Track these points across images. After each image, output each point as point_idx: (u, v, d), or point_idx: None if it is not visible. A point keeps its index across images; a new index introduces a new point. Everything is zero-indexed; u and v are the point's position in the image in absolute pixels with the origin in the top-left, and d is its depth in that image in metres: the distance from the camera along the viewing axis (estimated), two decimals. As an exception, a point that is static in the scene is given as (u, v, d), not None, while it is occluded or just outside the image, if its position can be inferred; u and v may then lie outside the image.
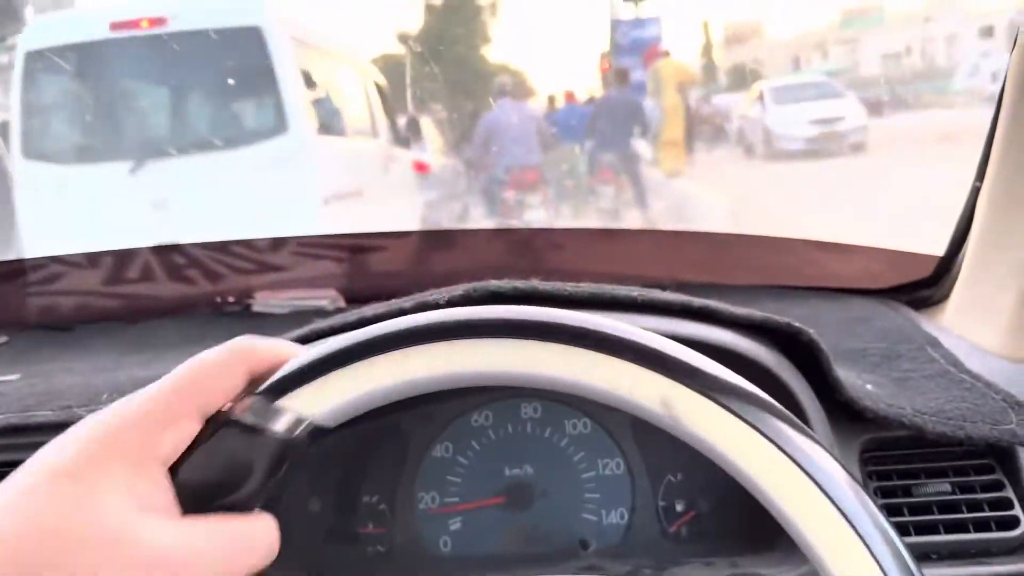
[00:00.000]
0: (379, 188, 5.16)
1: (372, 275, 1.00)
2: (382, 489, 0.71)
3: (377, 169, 5.36)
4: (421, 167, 7.37)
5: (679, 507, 0.68)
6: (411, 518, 0.70)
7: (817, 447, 0.35)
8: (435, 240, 1.10)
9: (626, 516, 0.68)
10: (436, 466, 0.71)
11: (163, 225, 3.63)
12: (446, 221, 7.20)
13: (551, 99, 12.63)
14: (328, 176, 4.39)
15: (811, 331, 0.58)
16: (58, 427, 0.65)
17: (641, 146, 9.44)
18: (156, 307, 0.96)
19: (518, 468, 0.70)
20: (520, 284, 0.58)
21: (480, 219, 7.68)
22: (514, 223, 7.08)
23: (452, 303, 0.57)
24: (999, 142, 0.73)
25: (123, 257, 0.93)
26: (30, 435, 0.66)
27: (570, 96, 10.89)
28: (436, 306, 0.58)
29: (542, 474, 0.70)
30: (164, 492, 0.35)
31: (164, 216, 3.71)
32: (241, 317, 0.94)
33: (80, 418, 0.65)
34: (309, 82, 4.38)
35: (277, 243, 0.97)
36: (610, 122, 7.82)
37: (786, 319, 0.59)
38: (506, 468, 0.71)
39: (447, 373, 0.39)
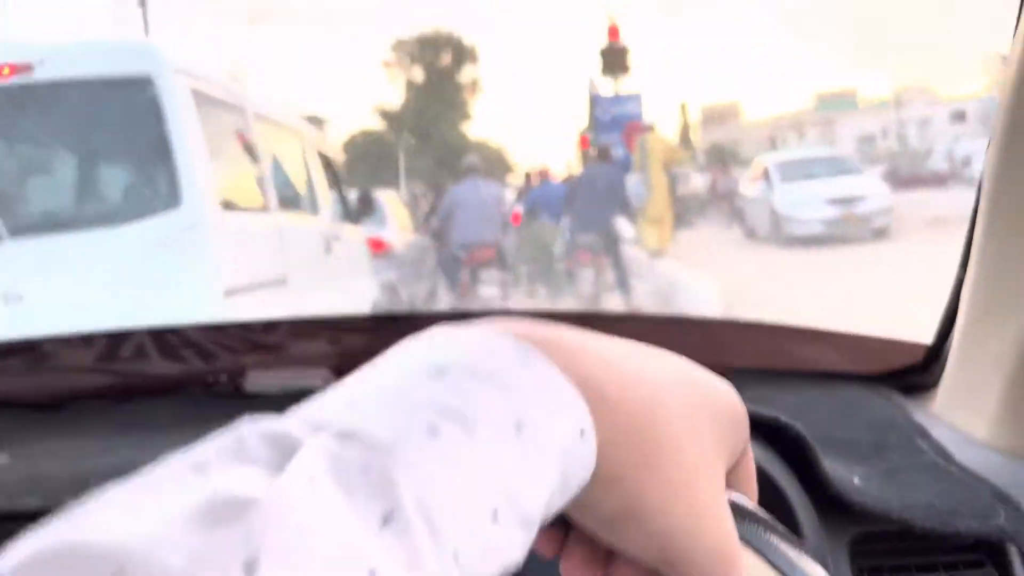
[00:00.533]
0: (316, 272, 4.48)
1: (361, 355, 1.01)
2: None
3: (315, 250, 4.59)
4: (378, 245, 6.94)
5: None
6: None
7: (808, 561, 0.35)
8: (418, 322, 1.11)
9: None
10: None
11: (15, 322, 2.96)
12: (405, 303, 6.99)
13: (527, 176, 12.39)
14: (240, 260, 3.58)
15: (798, 426, 0.59)
16: (44, 514, 0.65)
17: (623, 225, 8.92)
18: (147, 386, 0.96)
19: None
20: None
21: (444, 299, 7.51)
22: (472, 304, 6.97)
23: None
24: (979, 231, 0.74)
25: (116, 338, 0.93)
26: (16, 522, 0.65)
27: (544, 174, 10.58)
28: None
29: None
30: None
31: (16, 311, 2.99)
32: (233, 397, 0.94)
33: (66, 505, 0.65)
34: (217, 147, 3.65)
35: (270, 325, 0.97)
36: (589, 199, 7.44)
37: (773, 414, 0.59)
38: None
39: None
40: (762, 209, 10.87)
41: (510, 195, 10.95)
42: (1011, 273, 0.72)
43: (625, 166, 13.21)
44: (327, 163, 5.39)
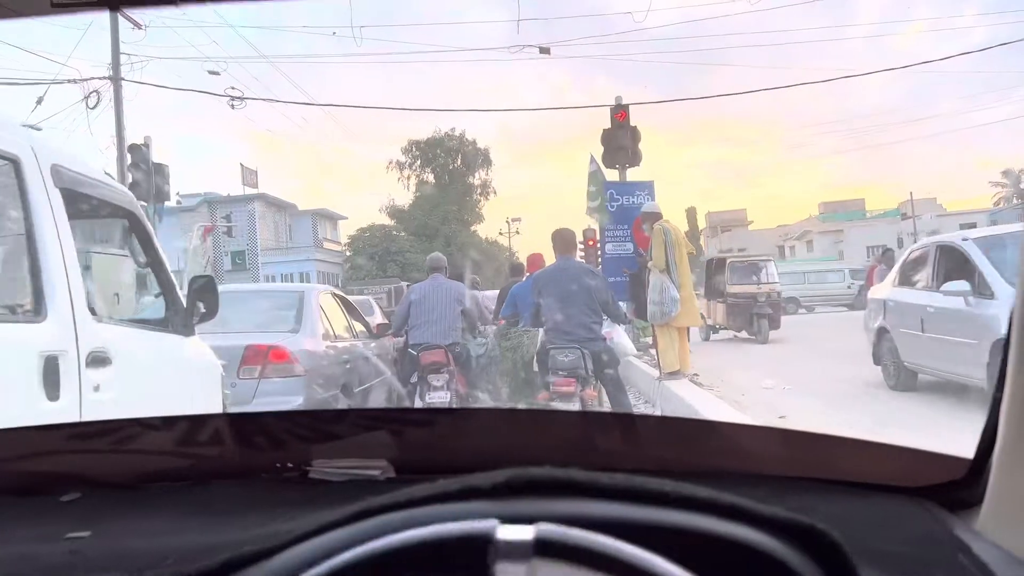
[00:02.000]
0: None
1: (419, 448, 1.06)
2: None
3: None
4: (278, 356, 5.75)
5: None
6: None
7: None
8: (473, 418, 1.16)
9: None
10: None
11: None
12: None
13: (511, 267, 10.59)
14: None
15: (835, 535, 0.62)
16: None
17: (620, 339, 7.52)
18: (220, 469, 1.01)
19: None
20: (558, 474, 0.63)
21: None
22: (416, 407, 5.92)
23: (496, 490, 0.62)
24: (1015, 345, 0.77)
25: (195, 421, 0.99)
26: None
27: (535, 262, 8.34)
28: (481, 491, 0.62)
29: None
30: None
31: None
32: (299, 483, 0.98)
33: None
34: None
35: (337, 415, 1.03)
36: (559, 302, 5.78)
37: (810, 521, 0.62)
38: None
39: None
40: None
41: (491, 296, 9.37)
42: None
43: (628, 264, 11.18)
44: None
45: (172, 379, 3.84)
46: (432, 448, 1.05)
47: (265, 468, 1.00)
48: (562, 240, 6.26)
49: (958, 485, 0.88)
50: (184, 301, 3.96)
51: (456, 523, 0.55)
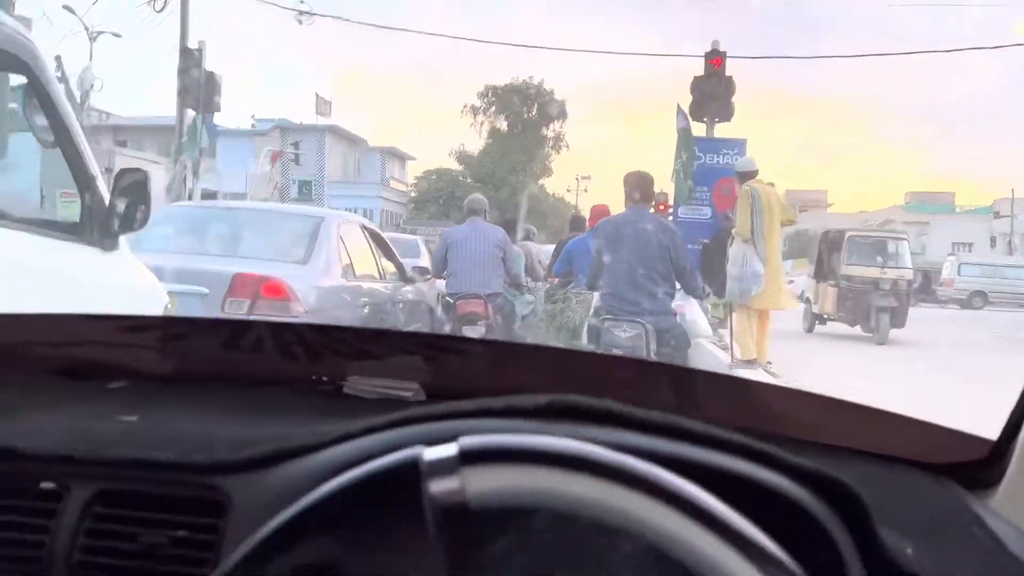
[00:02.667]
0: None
1: (451, 375, 1.08)
2: None
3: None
4: (273, 291, 4.75)
5: None
6: None
7: None
8: (509, 350, 1.18)
9: None
10: None
11: None
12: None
13: (572, 220, 9.30)
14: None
15: (858, 489, 0.63)
16: (176, 467, 0.75)
17: (693, 314, 6.17)
18: (257, 375, 1.06)
19: None
20: (596, 403, 0.65)
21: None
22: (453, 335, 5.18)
23: (538, 411, 0.65)
24: None
25: (238, 327, 1.04)
26: (149, 470, 0.75)
27: (598, 214, 6.94)
28: (524, 411, 0.65)
29: None
30: None
31: None
32: (334, 396, 1.02)
33: (195, 462, 0.74)
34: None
35: (377, 335, 1.07)
36: (623, 262, 4.59)
37: (836, 474, 0.64)
38: None
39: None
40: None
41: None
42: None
43: (704, 232, 9.79)
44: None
45: (76, 305, 2.70)
46: (465, 377, 1.08)
47: (301, 378, 1.04)
48: (638, 184, 4.81)
49: (978, 465, 0.88)
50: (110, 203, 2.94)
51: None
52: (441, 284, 6.61)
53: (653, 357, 4.37)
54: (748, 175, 7.45)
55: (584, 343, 4.96)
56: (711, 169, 10.91)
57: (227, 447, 0.76)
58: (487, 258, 6.02)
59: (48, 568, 0.74)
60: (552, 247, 8.69)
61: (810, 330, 13.43)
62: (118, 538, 0.74)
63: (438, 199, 36.03)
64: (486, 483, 0.51)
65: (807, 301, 13.48)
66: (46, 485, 0.78)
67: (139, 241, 3.44)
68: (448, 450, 0.53)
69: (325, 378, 1.05)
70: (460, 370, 1.07)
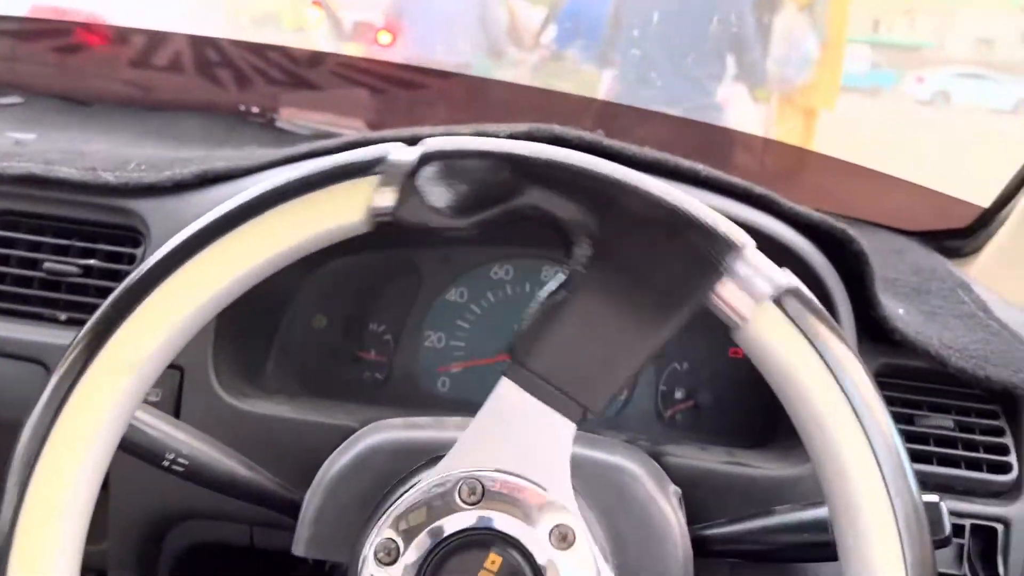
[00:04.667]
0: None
1: (404, 112, 0.97)
2: (390, 320, 0.70)
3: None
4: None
5: (678, 394, 0.69)
6: (414, 353, 0.70)
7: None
8: (483, 87, 1.05)
9: (625, 392, 0.69)
10: (448, 309, 0.70)
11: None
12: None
13: None
14: None
15: (862, 242, 0.58)
16: (81, 187, 0.64)
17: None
18: (179, 100, 0.92)
19: None
20: (585, 135, 0.56)
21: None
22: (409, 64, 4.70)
23: (513, 138, 0.55)
24: None
25: (154, 39, 0.88)
26: (51, 189, 0.64)
27: None
28: (494, 137, 0.55)
29: None
30: None
31: None
32: (263, 128, 0.91)
33: (104, 181, 0.63)
34: None
35: (315, 58, 0.93)
36: (657, 29, 2.76)
37: (842, 226, 0.58)
38: (516, 324, 0.70)
39: None
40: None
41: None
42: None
43: None
44: None
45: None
46: (420, 115, 0.97)
47: (228, 107, 0.91)
48: None
49: (959, 234, 0.84)
50: None
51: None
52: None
53: None
54: None
55: None
56: None
57: (143, 167, 0.64)
58: (456, 14, 4.48)
59: None
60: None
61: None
62: (22, 265, 0.64)
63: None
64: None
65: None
66: None
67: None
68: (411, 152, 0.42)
69: (256, 109, 0.92)
70: (416, 107, 0.95)
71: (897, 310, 0.61)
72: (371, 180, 0.36)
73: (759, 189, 0.57)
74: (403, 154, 0.36)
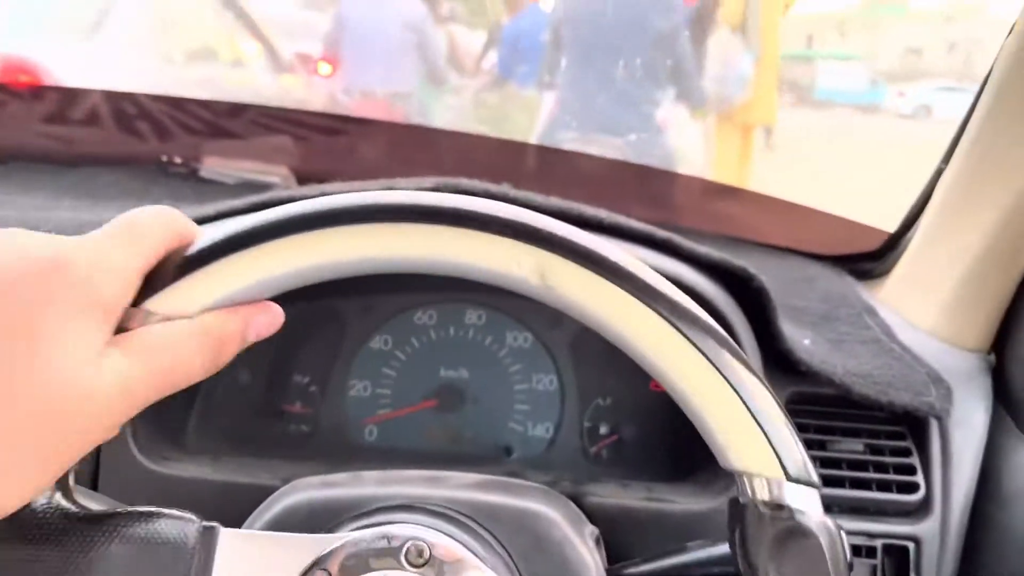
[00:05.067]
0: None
1: (329, 158, 0.97)
2: (315, 371, 0.70)
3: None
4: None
5: (603, 430, 0.70)
6: (340, 403, 0.70)
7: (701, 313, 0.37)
8: (403, 133, 1.07)
9: (551, 431, 0.70)
10: (372, 357, 0.71)
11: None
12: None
13: None
14: None
15: (762, 278, 0.60)
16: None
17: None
18: (97, 155, 0.91)
19: (453, 371, 0.71)
20: (492, 187, 0.57)
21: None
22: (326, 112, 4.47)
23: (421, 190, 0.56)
24: (972, 127, 0.74)
25: (69, 95, 0.87)
26: None
27: None
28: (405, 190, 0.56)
29: (476, 380, 0.71)
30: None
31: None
32: (186, 179, 0.90)
33: None
34: None
35: (235, 109, 0.93)
36: (595, 56, 2.76)
37: (741, 264, 0.60)
38: (442, 369, 0.71)
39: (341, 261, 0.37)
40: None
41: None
42: (990, 175, 0.72)
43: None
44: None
45: None
46: (342, 159, 0.97)
47: (148, 159, 0.91)
48: None
49: (870, 257, 0.87)
50: None
51: None
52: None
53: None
54: None
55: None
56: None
57: (54, 232, 0.63)
58: (395, 44, 4.24)
59: None
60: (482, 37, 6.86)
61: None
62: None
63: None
64: None
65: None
66: None
67: None
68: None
69: (178, 160, 0.92)
70: (338, 152, 0.96)
71: (803, 341, 0.63)
72: None
73: (661, 233, 0.59)
74: None
